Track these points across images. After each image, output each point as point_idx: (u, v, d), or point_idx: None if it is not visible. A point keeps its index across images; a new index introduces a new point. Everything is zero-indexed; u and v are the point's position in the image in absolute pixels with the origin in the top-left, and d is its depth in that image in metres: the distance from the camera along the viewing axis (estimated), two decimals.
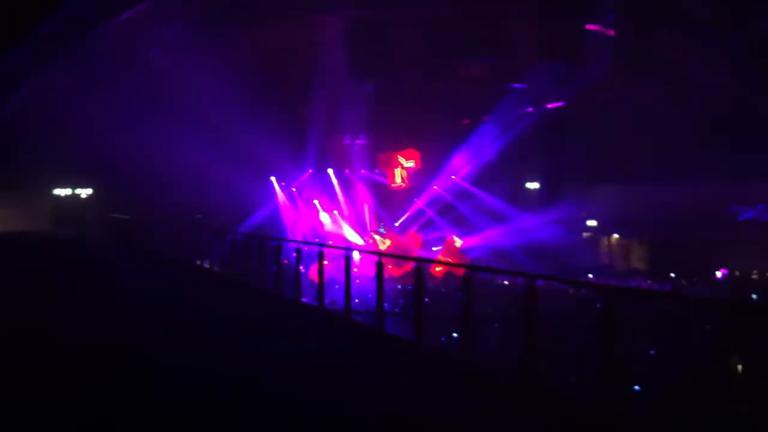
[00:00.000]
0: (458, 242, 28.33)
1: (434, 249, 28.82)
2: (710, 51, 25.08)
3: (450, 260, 25.53)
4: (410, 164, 30.92)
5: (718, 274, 25.93)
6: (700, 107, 26.38)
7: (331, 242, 27.95)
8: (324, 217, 30.77)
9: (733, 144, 26.75)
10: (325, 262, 14.01)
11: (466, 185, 31.71)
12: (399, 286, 20.72)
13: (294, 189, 32.36)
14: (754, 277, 25.17)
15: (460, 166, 31.42)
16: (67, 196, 43.57)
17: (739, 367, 5.87)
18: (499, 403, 7.74)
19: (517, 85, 30.87)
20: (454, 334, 11.43)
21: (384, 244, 28.84)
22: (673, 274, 25.73)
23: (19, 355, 9.54)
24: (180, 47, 29.74)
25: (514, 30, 30.83)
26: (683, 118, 27.09)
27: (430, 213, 31.14)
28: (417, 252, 26.97)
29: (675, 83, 27.19)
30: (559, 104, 31.34)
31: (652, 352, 12.22)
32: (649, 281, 26.05)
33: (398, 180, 30.79)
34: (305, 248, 16.74)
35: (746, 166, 26.33)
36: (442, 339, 12.18)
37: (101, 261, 24.08)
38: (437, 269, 23.46)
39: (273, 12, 29.78)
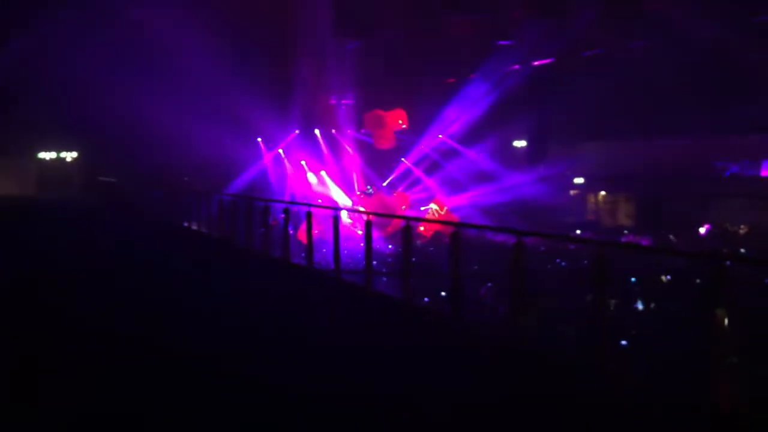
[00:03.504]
0: (436, 207, 28.23)
1: (422, 209, 28.82)
2: (697, 4, 24.91)
3: (438, 219, 25.59)
4: (397, 124, 30.67)
5: (702, 230, 26.09)
6: (686, 62, 26.28)
7: (320, 201, 27.92)
8: (311, 178, 30.66)
9: (719, 99, 26.73)
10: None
11: (453, 144, 31.61)
12: (390, 246, 20.78)
13: (280, 150, 32.16)
14: (742, 231, 25.33)
15: (446, 125, 31.25)
16: (52, 160, 43.20)
17: (725, 319, 5.93)
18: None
19: (504, 42, 30.58)
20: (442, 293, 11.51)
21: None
22: (661, 230, 25.89)
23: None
24: (163, 6, 29.31)
25: None
26: (669, 73, 27.01)
27: (418, 172, 31.07)
28: (404, 212, 26.95)
29: (662, 38, 27.03)
30: (547, 61, 31.13)
31: (638, 306, 12.37)
32: (635, 236, 26.21)
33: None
34: (293, 209, 16.71)
35: (731, 121, 26.37)
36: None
37: (88, 226, 23.96)
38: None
39: None
